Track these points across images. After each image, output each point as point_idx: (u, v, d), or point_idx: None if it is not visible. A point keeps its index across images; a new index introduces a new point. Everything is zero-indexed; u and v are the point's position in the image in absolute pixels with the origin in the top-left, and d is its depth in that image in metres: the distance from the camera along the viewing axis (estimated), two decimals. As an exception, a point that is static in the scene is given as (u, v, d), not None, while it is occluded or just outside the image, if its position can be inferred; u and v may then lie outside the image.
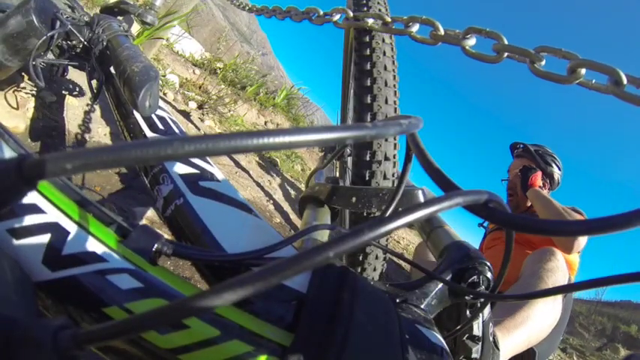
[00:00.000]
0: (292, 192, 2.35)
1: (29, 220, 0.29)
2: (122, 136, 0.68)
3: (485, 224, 1.90)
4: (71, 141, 1.19)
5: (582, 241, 1.40)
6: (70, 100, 1.29)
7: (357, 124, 0.21)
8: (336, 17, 0.89)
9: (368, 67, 0.84)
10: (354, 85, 0.87)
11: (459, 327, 0.47)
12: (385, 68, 0.84)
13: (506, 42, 0.66)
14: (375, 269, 0.86)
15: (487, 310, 0.50)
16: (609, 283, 0.26)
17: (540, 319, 1.13)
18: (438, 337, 0.36)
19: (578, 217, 1.46)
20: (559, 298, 1.23)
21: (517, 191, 1.74)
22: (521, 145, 1.84)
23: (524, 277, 1.26)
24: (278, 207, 1.95)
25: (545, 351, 1.26)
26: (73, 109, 1.29)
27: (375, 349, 0.29)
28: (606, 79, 0.56)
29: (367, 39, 0.86)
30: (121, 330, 0.16)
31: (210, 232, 0.41)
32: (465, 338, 0.49)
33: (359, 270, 0.86)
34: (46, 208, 0.31)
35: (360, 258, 0.85)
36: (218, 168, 0.51)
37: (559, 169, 1.76)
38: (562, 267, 1.28)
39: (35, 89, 1.13)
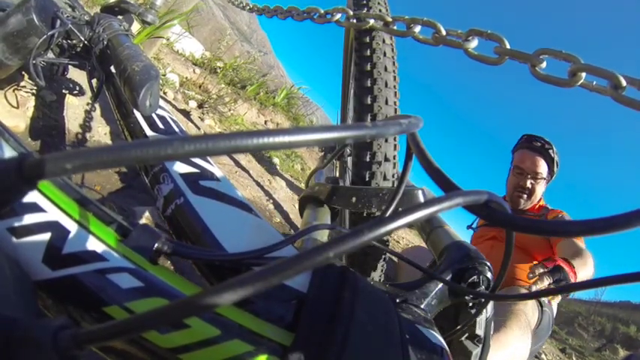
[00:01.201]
0: (292, 191, 2.35)
1: (29, 218, 0.29)
2: (122, 136, 0.68)
3: (473, 225, 1.86)
4: (71, 140, 1.19)
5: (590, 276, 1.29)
6: (70, 100, 1.29)
7: (357, 123, 0.21)
8: (337, 16, 0.89)
9: (368, 67, 0.84)
10: (354, 86, 0.87)
11: (458, 327, 0.47)
12: (386, 69, 0.84)
13: (507, 44, 0.66)
14: (375, 269, 0.86)
15: (490, 306, 0.49)
16: (609, 283, 0.26)
17: (515, 346, 1.14)
18: (438, 337, 0.36)
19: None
20: (529, 333, 1.22)
21: (532, 192, 1.64)
22: (542, 143, 1.65)
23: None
24: (278, 206, 1.95)
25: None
26: (74, 109, 1.29)
27: (376, 349, 0.29)
28: (607, 83, 0.56)
29: (367, 40, 0.86)
30: (121, 330, 0.16)
31: (210, 232, 0.41)
32: (464, 338, 0.48)
33: (359, 270, 0.86)
34: (46, 206, 0.31)
35: (360, 258, 0.85)
36: (218, 167, 0.51)
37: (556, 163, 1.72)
38: (527, 310, 1.28)
39: (35, 88, 1.13)
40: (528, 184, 1.63)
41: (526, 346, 1.19)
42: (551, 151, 1.63)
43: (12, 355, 0.17)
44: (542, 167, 1.63)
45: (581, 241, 1.43)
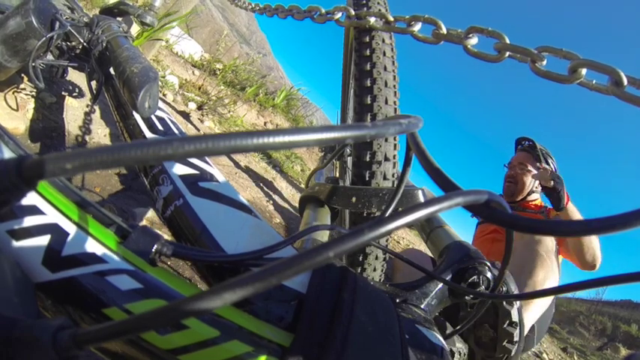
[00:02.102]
0: (292, 192, 2.35)
1: (29, 221, 0.29)
2: (122, 137, 0.68)
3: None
4: (71, 142, 1.19)
5: (599, 255, 1.43)
6: (69, 102, 1.29)
7: (357, 123, 0.21)
8: (338, 15, 0.89)
9: (368, 67, 0.84)
10: (354, 86, 0.87)
11: (459, 327, 0.47)
12: (385, 69, 0.84)
13: (507, 41, 0.66)
14: (375, 269, 0.86)
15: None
16: (609, 283, 0.26)
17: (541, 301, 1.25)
18: (438, 337, 0.36)
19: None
20: (555, 264, 1.33)
21: (518, 181, 1.78)
22: (529, 142, 1.84)
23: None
24: (278, 207, 1.95)
25: (540, 330, 1.39)
26: (73, 110, 1.29)
27: (376, 349, 0.29)
28: (607, 80, 0.56)
29: (367, 39, 0.86)
30: (120, 330, 0.16)
31: (209, 233, 0.41)
32: (505, 326, 0.49)
33: (359, 270, 0.86)
34: (45, 209, 0.31)
35: (360, 258, 0.85)
36: (218, 169, 0.51)
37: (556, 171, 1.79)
38: (546, 241, 1.38)
39: (35, 90, 1.13)
40: (513, 172, 1.80)
41: (554, 283, 1.30)
42: (534, 149, 1.79)
43: (12, 355, 0.17)
44: (528, 160, 1.78)
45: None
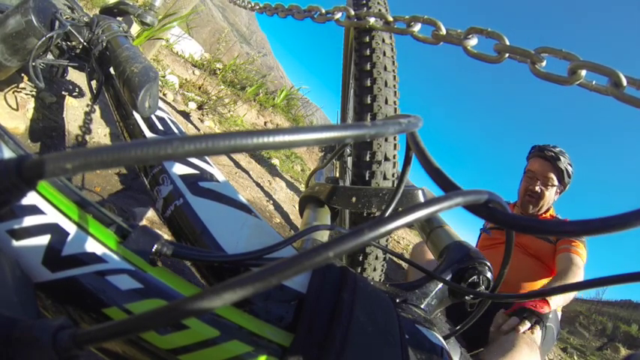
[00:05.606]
0: (292, 192, 2.35)
1: (29, 221, 0.29)
2: (122, 137, 0.68)
3: (486, 227, 1.85)
4: (71, 142, 1.19)
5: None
6: (69, 101, 1.29)
7: (357, 123, 0.21)
8: (338, 15, 0.89)
9: (368, 67, 0.84)
10: (354, 86, 0.87)
11: (459, 327, 0.47)
12: (385, 69, 0.84)
13: (507, 42, 0.66)
14: (375, 269, 0.86)
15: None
16: (609, 283, 0.26)
17: None
18: (438, 337, 0.36)
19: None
20: (537, 350, 1.19)
21: (541, 197, 1.65)
22: (555, 155, 1.66)
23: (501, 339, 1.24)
24: (278, 207, 1.94)
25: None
26: (73, 110, 1.29)
27: (375, 349, 0.29)
28: (606, 81, 0.56)
29: (367, 39, 0.86)
30: (120, 330, 0.16)
31: (209, 233, 0.41)
32: None
33: (359, 270, 0.86)
34: (45, 209, 0.31)
35: (360, 258, 0.85)
36: (218, 168, 0.51)
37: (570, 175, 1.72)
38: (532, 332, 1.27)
39: (35, 90, 1.13)
40: (537, 188, 1.65)
41: None
42: (559, 162, 1.64)
43: (12, 355, 0.17)
44: (553, 174, 1.65)
45: (579, 256, 1.44)
